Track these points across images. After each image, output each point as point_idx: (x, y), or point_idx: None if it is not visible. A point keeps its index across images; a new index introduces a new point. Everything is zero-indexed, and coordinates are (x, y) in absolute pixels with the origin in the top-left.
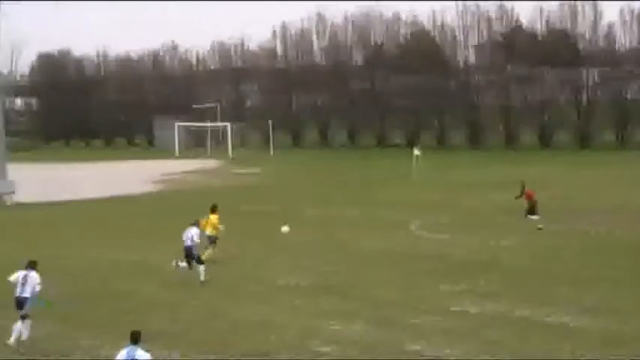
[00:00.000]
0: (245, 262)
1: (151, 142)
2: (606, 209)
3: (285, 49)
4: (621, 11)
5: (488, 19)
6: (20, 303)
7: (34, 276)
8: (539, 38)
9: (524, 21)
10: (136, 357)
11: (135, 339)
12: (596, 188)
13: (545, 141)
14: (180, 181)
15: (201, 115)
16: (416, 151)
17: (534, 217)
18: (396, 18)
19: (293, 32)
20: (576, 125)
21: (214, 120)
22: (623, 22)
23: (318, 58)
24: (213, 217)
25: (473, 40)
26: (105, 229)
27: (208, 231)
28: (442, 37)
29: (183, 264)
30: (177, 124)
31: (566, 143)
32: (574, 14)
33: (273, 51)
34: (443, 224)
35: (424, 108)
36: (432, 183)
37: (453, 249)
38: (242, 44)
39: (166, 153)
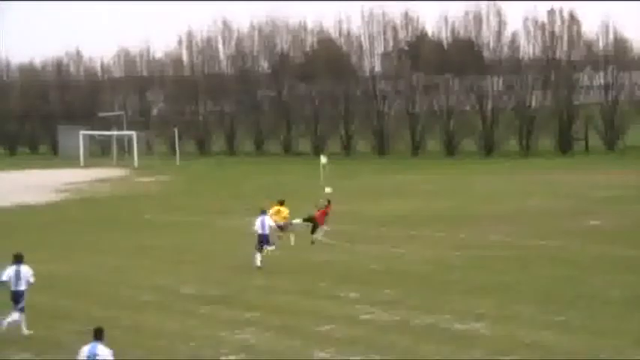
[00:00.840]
0: (146, 271)
1: (55, 151)
2: (507, 216)
3: (190, 57)
4: (525, 20)
5: (394, 28)
6: (17, 297)
7: (25, 269)
8: (445, 47)
9: (430, 29)
10: (97, 352)
11: (97, 335)
12: (496, 195)
13: (450, 149)
14: (85, 190)
15: (107, 124)
16: (323, 159)
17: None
18: (302, 26)
19: (199, 40)
20: (481, 133)
21: (120, 128)
22: (527, 32)
23: (225, 65)
24: (283, 209)
25: (379, 48)
26: (8, 240)
27: (277, 220)
28: (348, 45)
29: (271, 247)
30: (81, 132)
31: (472, 151)
32: (478, 23)
33: (179, 59)
34: (347, 232)
35: (330, 116)
36: (337, 191)
37: (357, 257)
38: (148, 52)
39: (71, 162)
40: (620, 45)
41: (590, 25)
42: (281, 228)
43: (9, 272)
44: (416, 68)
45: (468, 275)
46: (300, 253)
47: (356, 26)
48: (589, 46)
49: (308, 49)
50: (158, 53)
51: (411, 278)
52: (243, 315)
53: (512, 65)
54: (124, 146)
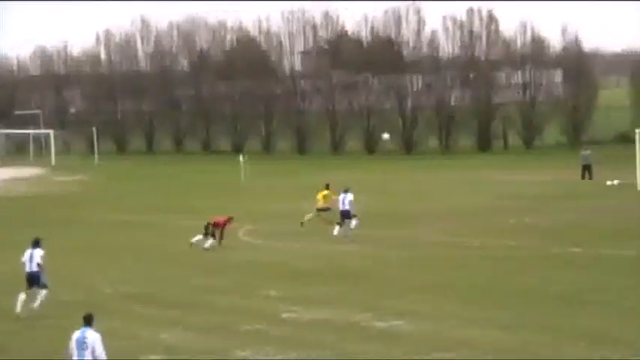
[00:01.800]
0: (68, 270)
1: None
2: (431, 214)
3: (109, 56)
4: (444, 19)
5: (314, 26)
6: (32, 278)
7: (38, 252)
8: (364, 45)
9: (350, 28)
10: (87, 336)
11: (87, 321)
12: (421, 193)
13: (370, 147)
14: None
15: (24, 122)
16: (241, 158)
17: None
18: (222, 24)
19: (117, 38)
20: (401, 131)
21: (37, 127)
22: (446, 30)
23: (143, 64)
24: (328, 192)
25: (299, 46)
26: None
27: (322, 203)
28: (268, 44)
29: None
30: None
31: (391, 149)
32: (398, 21)
33: (97, 57)
34: (270, 231)
35: (250, 114)
36: (259, 190)
37: (281, 255)
38: (65, 50)
39: None
40: (538, 44)
41: (509, 25)
42: (324, 210)
43: (25, 255)
44: (336, 67)
45: (402, 273)
46: (224, 252)
47: (276, 25)
48: (507, 45)
49: (228, 47)
50: (76, 51)
51: (337, 276)
52: (165, 314)
53: (432, 64)
54: (42, 145)
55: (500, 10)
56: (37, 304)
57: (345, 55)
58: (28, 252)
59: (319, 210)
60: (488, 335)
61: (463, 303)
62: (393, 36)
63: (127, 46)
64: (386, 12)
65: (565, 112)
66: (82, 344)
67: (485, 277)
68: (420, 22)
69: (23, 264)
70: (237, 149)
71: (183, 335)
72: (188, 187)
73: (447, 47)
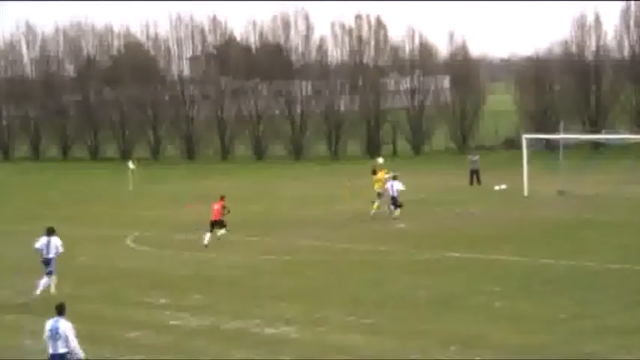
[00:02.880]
0: None
1: None
2: (316, 220)
3: None
4: (332, 25)
5: (202, 32)
6: (47, 263)
7: (56, 240)
8: (253, 51)
9: (238, 34)
10: (59, 326)
11: (59, 311)
12: (304, 199)
13: (259, 153)
14: None
15: None
16: (131, 165)
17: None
18: (109, 29)
19: (1, 43)
20: (290, 138)
21: None
22: (334, 36)
23: (29, 69)
24: (380, 175)
25: (187, 52)
26: None
27: (377, 187)
28: (156, 49)
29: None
30: None
31: (281, 155)
32: (287, 27)
33: None
34: (155, 238)
35: (138, 121)
36: (147, 197)
37: (165, 262)
38: None
39: None
40: (426, 50)
41: (397, 31)
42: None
43: (41, 242)
44: (224, 72)
45: (277, 280)
46: (107, 260)
47: (164, 30)
48: (395, 51)
49: (115, 52)
50: None
51: (221, 283)
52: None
53: (321, 70)
54: None
55: (388, 17)
56: (39, 289)
57: (233, 61)
58: (43, 239)
59: (379, 195)
60: (362, 341)
61: (336, 309)
62: (281, 42)
63: (11, 51)
64: (274, 17)
65: (453, 117)
66: (55, 334)
67: (358, 282)
68: (309, 28)
69: (39, 250)
70: (125, 156)
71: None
72: (74, 194)
73: (336, 53)
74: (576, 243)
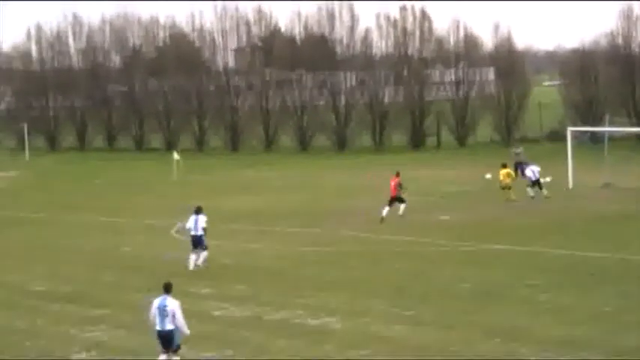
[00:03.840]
0: None
1: None
2: (360, 211)
3: (40, 51)
4: (377, 17)
5: (247, 23)
6: (196, 241)
7: (202, 217)
8: (298, 42)
9: (283, 25)
10: (167, 303)
11: (167, 289)
12: (350, 190)
13: (304, 144)
14: None
15: None
16: (175, 155)
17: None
18: (155, 20)
19: (48, 34)
20: (334, 129)
21: None
22: (379, 28)
23: (75, 60)
24: (505, 171)
25: (232, 43)
26: None
27: (505, 180)
28: (201, 41)
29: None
30: None
31: (325, 146)
32: (331, 19)
33: (28, 53)
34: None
35: (183, 111)
36: (192, 187)
37: (212, 253)
38: None
39: None
40: (470, 42)
41: (442, 22)
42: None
43: (191, 220)
44: (269, 64)
45: (320, 270)
46: (151, 249)
47: (209, 21)
48: (440, 42)
49: (160, 44)
50: (6, 47)
51: (264, 273)
52: (94, 312)
53: (365, 61)
54: None
55: (432, 9)
56: (200, 261)
57: (278, 52)
58: (192, 217)
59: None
60: (405, 332)
61: (379, 299)
62: (326, 33)
63: (58, 41)
64: (319, 9)
65: (497, 109)
66: (162, 311)
67: (401, 273)
68: (354, 20)
69: (189, 229)
70: (170, 146)
71: (113, 333)
72: (119, 184)
73: (380, 45)
74: (621, 236)
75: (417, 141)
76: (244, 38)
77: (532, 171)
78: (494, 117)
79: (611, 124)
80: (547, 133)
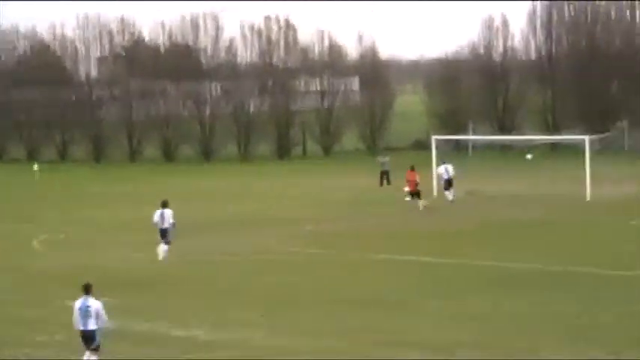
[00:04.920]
0: None
1: None
2: (224, 221)
3: None
4: (242, 26)
5: (110, 33)
6: (163, 233)
7: (169, 212)
8: (162, 52)
9: (147, 34)
10: (89, 303)
11: (87, 290)
12: (217, 200)
13: (169, 155)
14: None
15: None
16: (35, 166)
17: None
18: (14, 30)
19: None
20: (200, 138)
21: None
22: (244, 37)
23: None
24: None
25: (95, 52)
26: None
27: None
28: (63, 50)
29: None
30: None
31: (191, 156)
32: (195, 28)
33: None
34: (64, 240)
35: (45, 122)
36: (52, 198)
37: (77, 265)
38: None
39: None
40: (335, 52)
41: (306, 32)
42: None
43: (157, 214)
44: (133, 73)
45: (188, 281)
46: (21, 261)
47: (71, 30)
48: (305, 52)
49: (21, 53)
50: None
51: (131, 284)
52: None
53: (230, 71)
54: None
55: (297, 18)
56: (161, 256)
57: (142, 62)
58: (158, 212)
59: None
60: (294, 341)
61: (249, 310)
62: (190, 43)
63: None
64: (183, 19)
65: (362, 118)
66: (86, 312)
67: (268, 283)
68: (218, 29)
69: (156, 223)
70: (32, 157)
71: None
72: None
73: (245, 54)
74: (484, 242)
75: (282, 150)
76: (107, 48)
77: (445, 169)
78: (360, 126)
79: (475, 132)
80: (412, 142)
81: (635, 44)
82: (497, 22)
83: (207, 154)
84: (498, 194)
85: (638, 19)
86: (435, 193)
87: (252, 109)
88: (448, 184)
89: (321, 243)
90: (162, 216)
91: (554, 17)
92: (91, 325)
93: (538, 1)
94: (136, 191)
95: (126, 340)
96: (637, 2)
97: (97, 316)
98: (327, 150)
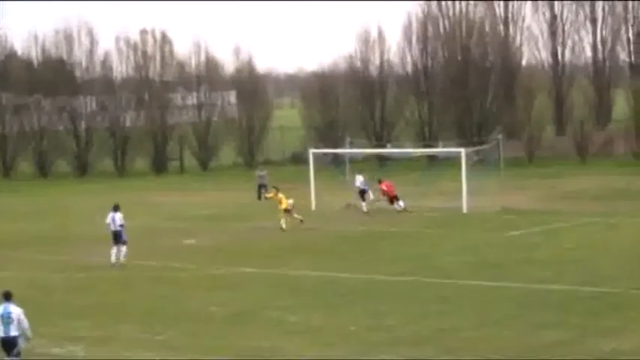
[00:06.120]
0: None
1: None
2: (105, 237)
3: None
4: (117, 40)
5: None
6: (116, 235)
7: (118, 215)
8: (35, 66)
9: (19, 48)
10: (11, 310)
11: (7, 297)
12: (92, 216)
13: (43, 170)
14: None
15: None
16: None
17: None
18: None
19: None
20: (75, 153)
21: None
22: (119, 51)
23: None
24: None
25: None
26: None
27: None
28: None
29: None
30: None
31: (66, 172)
32: (70, 42)
33: None
34: None
35: None
36: None
37: None
38: None
39: None
40: (212, 65)
41: (182, 46)
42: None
43: (109, 217)
44: (5, 88)
45: (68, 297)
46: None
47: None
48: (181, 66)
49: None
50: None
51: None
52: None
53: (105, 85)
54: None
55: (173, 32)
56: (122, 255)
57: (15, 77)
58: (110, 215)
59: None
60: (156, 357)
61: (130, 325)
62: (64, 56)
63: None
64: (57, 32)
65: (240, 132)
66: (7, 319)
67: (152, 298)
68: (93, 43)
69: (108, 225)
70: None
71: None
72: None
73: (121, 68)
74: (367, 255)
75: (159, 165)
76: None
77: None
78: (237, 140)
79: (352, 145)
80: (289, 156)
81: (508, 58)
82: (374, 35)
83: (82, 168)
84: (375, 207)
85: (511, 33)
86: (313, 207)
87: (128, 123)
88: (362, 194)
89: (187, 257)
90: (113, 219)
91: (430, 31)
92: (13, 332)
93: (414, 16)
94: (12, 206)
95: None
96: (509, 18)
97: (19, 322)
98: (204, 164)
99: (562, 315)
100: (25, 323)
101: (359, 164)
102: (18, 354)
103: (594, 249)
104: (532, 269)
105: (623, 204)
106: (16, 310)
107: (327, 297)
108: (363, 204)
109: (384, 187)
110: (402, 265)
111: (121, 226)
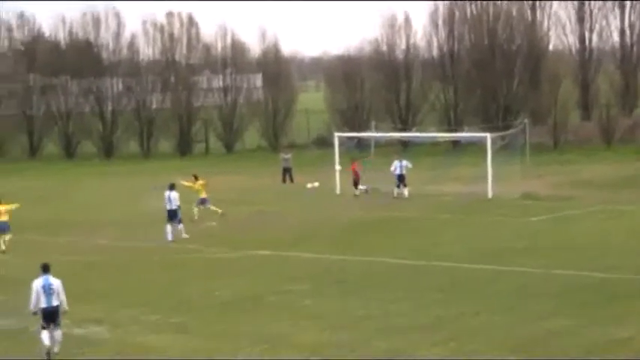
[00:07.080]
0: None
1: None
2: (121, 220)
3: None
4: (144, 22)
5: (9, 28)
6: (171, 214)
7: (174, 194)
8: (62, 47)
9: (47, 30)
10: (52, 282)
11: (46, 269)
12: (119, 198)
13: (70, 151)
14: None
15: None
16: None
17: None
18: None
19: None
20: (101, 135)
21: None
22: (146, 33)
23: None
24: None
25: None
26: None
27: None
28: None
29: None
30: None
31: (92, 153)
32: (97, 24)
33: None
34: None
35: None
36: None
37: None
38: None
39: None
40: (238, 48)
41: (209, 28)
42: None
43: (165, 196)
44: (32, 69)
45: (82, 281)
46: None
47: None
48: (207, 48)
49: None
50: None
51: (16, 285)
52: None
53: (132, 67)
54: None
55: (199, 15)
56: (182, 233)
57: (41, 58)
58: (166, 193)
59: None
60: (171, 340)
61: (142, 308)
62: (91, 38)
63: None
64: (84, 14)
65: (265, 115)
66: (49, 290)
67: (164, 281)
68: (120, 25)
69: (165, 204)
70: None
71: None
72: None
73: (147, 51)
74: (383, 240)
75: (184, 148)
76: (6, 43)
77: (400, 166)
78: (262, 123)
79: (377, 129)
80: (314, 139)
81: (535, 42)
82: (400, 20)
83: (108, 150)
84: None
85: (538, 18)
86: (337, 191)
87: (154, 105)
88: (400, 179)
89: (215, 241)
90: (169, 198)
91: (457, 16)
92: (55, 302)
93: (440, 1)
94: (34, 189)
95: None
96: (537, 2)
97: (58, 294)
98: (229, 147)
99: (563, 302)
100: (63, 295)
101: (382, 148)
102: (58, 324)
103: (603, 236)
104: (536, 257)
105: None
106: (56, 282)
107: (335, 282)
108: (396, 190)
109: (355, 167)
110: (410, 251)
111: (178, 206)
